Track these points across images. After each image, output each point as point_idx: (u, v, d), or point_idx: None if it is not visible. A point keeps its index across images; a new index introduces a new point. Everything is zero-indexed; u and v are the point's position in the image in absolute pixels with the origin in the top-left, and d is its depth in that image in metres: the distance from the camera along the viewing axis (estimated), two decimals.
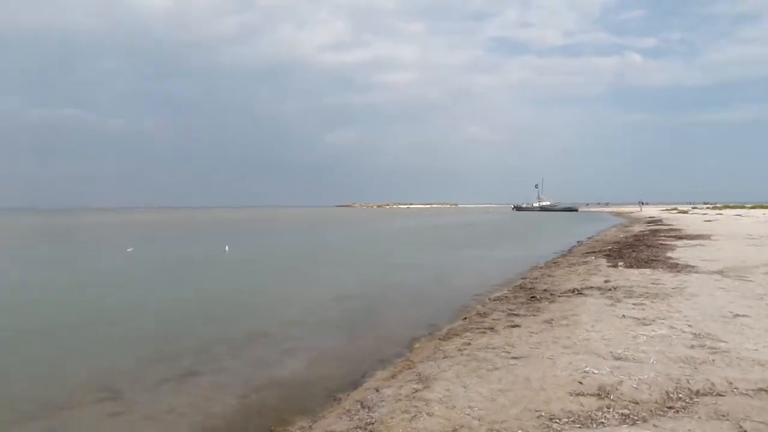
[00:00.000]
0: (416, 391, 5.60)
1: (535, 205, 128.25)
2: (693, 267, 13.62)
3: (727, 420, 4.37)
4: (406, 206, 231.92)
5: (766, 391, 4.94)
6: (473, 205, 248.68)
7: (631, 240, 24.79)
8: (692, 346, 6.48)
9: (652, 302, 9.26)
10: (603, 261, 16.32)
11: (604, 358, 6.15)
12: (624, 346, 6.57)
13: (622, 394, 5.05)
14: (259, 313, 11.28)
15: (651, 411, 4.64)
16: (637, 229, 35.20)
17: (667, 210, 77.76)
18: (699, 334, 7.00)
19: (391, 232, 47.33)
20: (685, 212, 63.85)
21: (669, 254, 17.03)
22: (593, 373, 5.66)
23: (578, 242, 27.63)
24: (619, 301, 9.58)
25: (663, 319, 7.99)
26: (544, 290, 11.68)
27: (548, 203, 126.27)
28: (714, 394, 4.96)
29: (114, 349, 8.42)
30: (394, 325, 9.84)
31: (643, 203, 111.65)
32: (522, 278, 14.69)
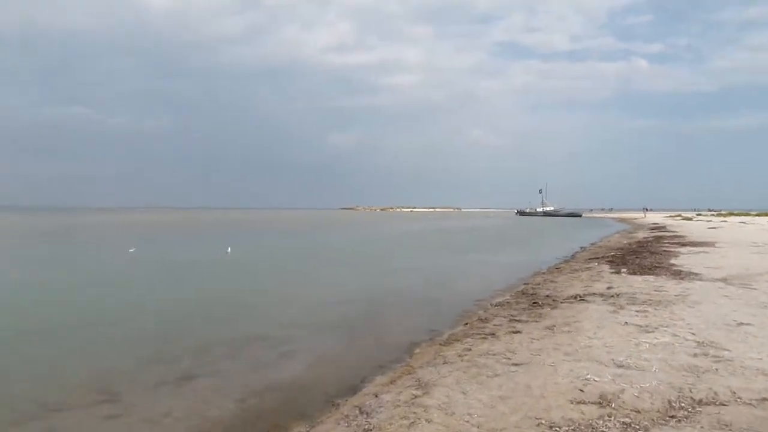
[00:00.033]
0: (415, 397, 5.55)
1: (539, 210, 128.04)
2: (697, 274, 13.53)
3: (730, 430, 4.31)
4: (409, 210, 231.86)
5: None
6: (477, 210, 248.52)
7: (634, 246, 24.69)
8: (695, 355, 6.41)
9: (655, 309, 9.19)
10: (606, 267, 16.24)
11: (605, 366, 6.09)
12: (626, 354, 6.51)
13: (623, 402, 4.99)
14: (260, 315, 11.26)
15: (653, 420, 4.58)
16: (640, 235, 35.07)
17: (671, 217, 77.49)
18: (702, 343, 6.93)
19: (393, 235, 47.29)
20: (690, 219, 63.59)
21: (672, 261, 16.94)
22: (594, 380, 5.60)
23: (581, 248, 27.53)
24: (621, 308, 9.51)
25: (666, 326, 7.92)
26: (547, 296, 11.60)
27: (552, 208, 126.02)
28: (717, 403, 4.90)
29: (113, 350, 8.40)
30: (394, 330, 9.79)
31: (647, 209, 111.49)
32: (524, 284, 14.63)
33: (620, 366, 6.05)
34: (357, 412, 5.40)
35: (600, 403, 5.00)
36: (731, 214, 78.72)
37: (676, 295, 10.50)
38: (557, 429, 4.48)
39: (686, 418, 4.60)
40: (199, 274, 18.55)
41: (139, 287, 15.20)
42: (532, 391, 5.44)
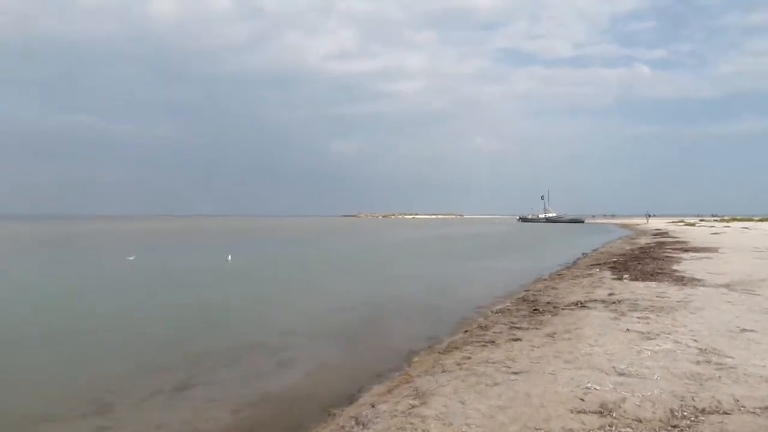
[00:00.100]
0: (413, 407, 5.45)
1: (541, 216, 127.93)
2: (699, 280, 13.41)
3: None
4: (411, 216, 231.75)
5: None
6: (479, 216, 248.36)
7: (636, 252, 24.55)
8: (698, 362, 6.30)
9: (657, 316, 9.07)
10: (608, 273, 16.12)
11: (606, 374, 5.99)
12: (627, 362, 6.40)
13: (624, 411, 4.88)
14: (258, 323, 11.16)
15: (655, 430, 4.48)
16: (643, 241, 34.92)
17: (674, 222, 77.26)
18: (705, 350, 6.82)
19: (395, 242, 47.19)
20: (692, 225, 63.38)
21: (675, 267, 16.81)
22: (595, 389, 5.50)
23: (583, 254, 27.39)
24: (623, 314, 9.40)
25: (668, 333, 7.81)
26: (548, 303, 11.50)
27: (554, 215, 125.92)
28: (720, 412, 4.79)
29: (108, 359, 8.31)
30: (393, 338, 9.69)
31: (649, 215, 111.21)
32: (525, 290, 14.51)
33: (621, 374, 5.95)
34: (353, 422, 5.30)
35: (601, 412, 4.89)
36: (734, 219, 78.48)
37: (678, 302, 10.39)
38: None
39: (689, 427, 4.49)
40: (198, 281, 18.47)
41: (136, 295, 15.12)
42: (532, 400, 5.34)
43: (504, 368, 6.53)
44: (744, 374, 5.80)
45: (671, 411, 4.85)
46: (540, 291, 13.79)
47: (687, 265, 17.21)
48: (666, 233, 43.84)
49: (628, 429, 4.50)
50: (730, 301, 10.32)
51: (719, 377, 5.73)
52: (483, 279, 18.94)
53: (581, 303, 10.87)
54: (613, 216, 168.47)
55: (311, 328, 10.72)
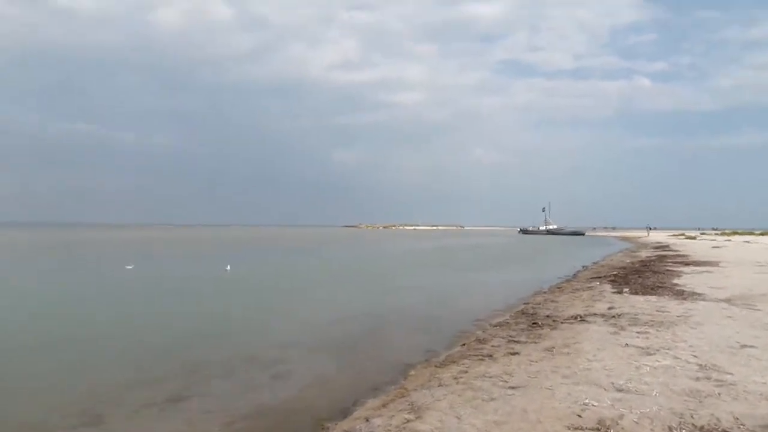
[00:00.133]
0: (407, 421, 5.37)
1: (542, 228, 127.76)
2: (699, 294, 13.33)
3: None
4: (412, 227, 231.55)
5: None
6: (479, 227, 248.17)
7: (637, 265, 24.46)
8: (697, 378, 6.22)
9: (657, 331, 8.99)
10: (608, 287, 16.03)
11: (605, 390, 5.91)
12: (626, 377, 6.32)
13: (622, 428, 4.81)
14: (254, 334, 11.07)
15: None
16: (643, 254, 34.83)
17: (674, 236, 77.12)
18: (705, 366, 6.74)
19: (395, 253, 47.10)
20: (693, 238, 63.26)
21: (675, 281, 16.73)
22: (593, 405, 5.42)
23: (583, 267, 27.31)
24: (623, 329, 9.32)
25: (667, 348, 7.73)
26: (547, 316, 11.41)
27: (555, 227, 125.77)
28: (719, 430, 4.71)
29: (102, 368, 8.22)
30: (390, 350, 9.60)
31: (650, 228, 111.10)
32: (524, 303, 14.42)
33: (620, 390, 5.87)
34: None
35: (598, 429, 4.82)
36: (735, 233, 78.33)
37: (678, 316, 10.30)
38: None
39: None
40: (196, 291, 18.38)
41: (132, 304, 15.04)
42: (529, 415, 5.26)
43: (501, 383, 6.45)
44: (744, 391, 5.72)
45: (669, 428, 4.77)
46: (539, 304, 13.70)
47: (687, 279, 17.13)
48: (667, 246, 43.74)
49: None
50: (730, 316, 10.24)
51: (719, 394, 5.65)
52: (482, 291, 18.85)
53: (581, 317, 10.79)
54: (613, 228, 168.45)
55: (308, 339, 10.64)
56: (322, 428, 5.83)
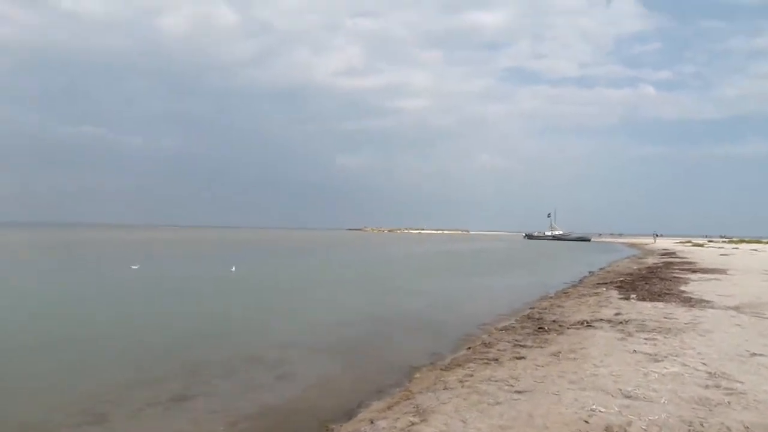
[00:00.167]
0: (412, 424, 5.32)
1: (548, 233, 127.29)
2: (708, 302, 13.20)
3: None
4: (417, 231, 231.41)
5: None
6: (485, 232, 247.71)
7: (644, 272, 24.29)
8: (706, 386, 6.14)
9: (665, 337, 8.90)
10: (614, 293, 15.92)
11: (612, 396, 5.84)
12: (634, 384, 6.25)
13: None
14: (259, 335, 11.05)
15: None
16: (650, 261, 34.61)
17: (681, 243, 76.64)
18: (714, 374, 6.66)
19: (400, 256, 47.01)
20: (701, 245, 62.81)
21: (683, 288, 16.59)
22: (600, 411, 5.35)
23: (590, 272, 27.15)
24: (630, 335, 9.23)
25: (676, 355, 7.64)
26: (553, 321, 11.33)
27: (561, 232, 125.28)
28: None
29: (106, 368, 8.21)
30: (395, 353, 9.55)
31: (657, 235, 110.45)
32: (530, 308, 14.33)
33: (627, 396, 5.80)
34: None
35: None
36: (742, 241, 77.73)
37: (686, 323, 10.20)
38: None
39: None
40: (201, 291, 18.40)
41: (137, 304, 15.06)
42: (534, 420, 5.20)
43: (507, 387, 6.39)
44: (754, 400, 5.63)
45: None
46: (545, 309, 13.62)
47: (695, 286, 16.98)
48: (674, 253, 43.45)
49: None
50: (739, 324, 10.13)
51: (728, 402, 5.57)
52: (488, 295, 18.76)
53: (587, 322, 10.71)
54: (620, 235, 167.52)
55: (312, 340, 10.60)
56: (327, 430, 5.79)
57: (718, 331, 9.41)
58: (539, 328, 10.58)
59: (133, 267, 24.66)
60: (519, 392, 6.14)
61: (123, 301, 15.59)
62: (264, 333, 11.29)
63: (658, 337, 8.97)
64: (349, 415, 6.22)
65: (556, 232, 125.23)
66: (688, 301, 13.30)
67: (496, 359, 8.04)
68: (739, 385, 6.18)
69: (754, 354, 7.68)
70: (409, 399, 6.37)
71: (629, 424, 4.99)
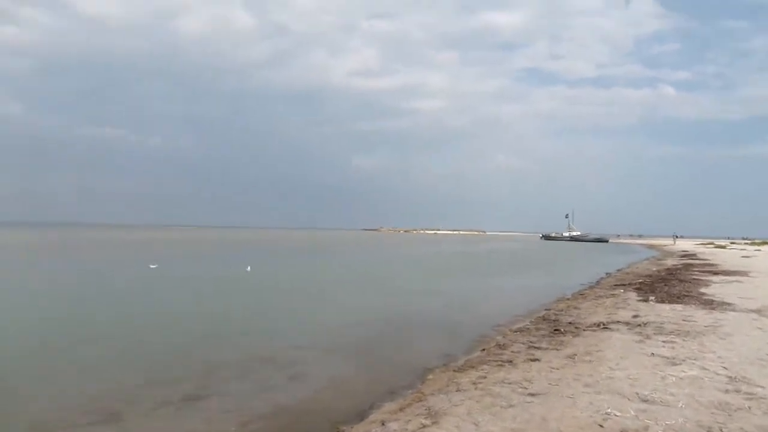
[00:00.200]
0: (424, 426, 5.28)
1: (565, 234, 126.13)
2: (729, 304, 12.93)
3: None
4: (433, 232, 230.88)
5: None
6: (501, 233, 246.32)
7: (663, 273, 23.92)
8: (726, 391, 6.00)
9: (683, 340, 8.73)
10: (632, 294, 15.69)
11: (628, 400, 5.73)
12: (651, 387, 6.13)
13: None
14: (273, 335, 11.07)
15: None
16: (669, 262, 34.09)
17: (702, 244, 75.31)
18: (734, 378, 6.50)
19: (416, 257, 46.91)
20: (723, 247, 61.69)
21: (703, 290, 16.29)
22: (616, 415, 5.25)
23: (607, 274, 26.82)
24: (648, 337, 9.07)
25: (694, 359, 7.49)
26: (569, 323, 11.19)
27: (578, 233, 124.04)
28: None
29: (121, 366, 8.29)
30: (408, 354, 9.50)
31: (677, 236, 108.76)
32: (546, 309, 14.18)
33: (644, 400, 5.68)
34: None
35: None
36: (765, 243, 76.19)
37: (706, 326, 10.00)
38: None
39: None
40: (216, 291, 18.54)
41: (155, 303, 15.22)
42: (548, 424, 5.12)
43: (521, 389, 6.31)
44: None
45: None
46: (561, 310, 13.46)
47: (716, 289, 16.66)
48: (694, 255, 42.74)
49: None
50: (761, 328, 9.90)
51: (749, 407, 5.43)
52: (503, 296, 18.62)
53: (603, 324, 10.55)
54: (639, 236, 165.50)
55: (325, 340, 10.60)
56: (338, 431, 5.77)
57: (738, 334, 9.20)
58: (555, 329, 10.45)
59: (152, 266, 24.95)
60: (533, 395, 6.06)
61: (141, 301, 15.74)
62: (278, 333, 11.32)
63: (677, 339, 8.81)
64: (361, 416, 6.20)
65: (574, 233, 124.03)
66: (709, 304, 13.05)
67: (510, 361, 7.96)
68: (759, 389, 6.02)
69: None
70: (421, 401, 6.32)
71: (645, 428, 4.89)
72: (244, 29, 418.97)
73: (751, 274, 22.45)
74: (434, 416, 5.54)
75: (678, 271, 24.93)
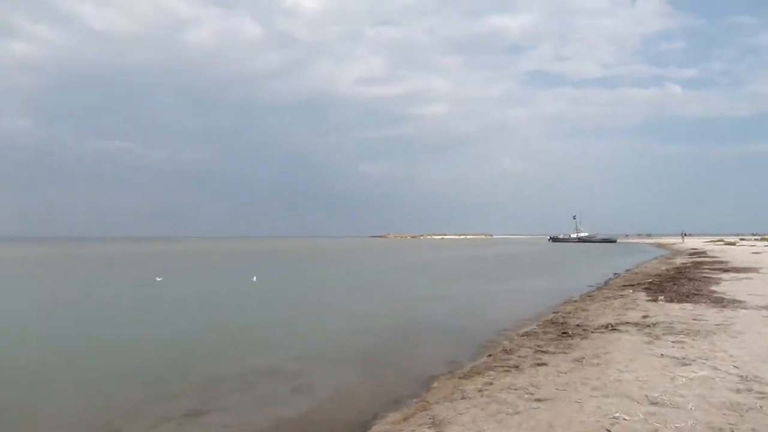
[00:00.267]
0: None
1: (573, 236, 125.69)
2: (740, 302, 12.74)
3: None
4: (440, 237, 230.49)
5: None
6: (508, 236, 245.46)
7: (672, 272, 23.67)
8: (738, 390, 5.86)
9: (693, 340, 8.58)
10: (641, 295, 15.50)
11: (637, 403, 5.60)
12: (660, 389, 6.00)
13: None
14: (276, 346, 10.96)
15: None
16: (679, 261, 33.77)
17: (712, 242, 74.69)
18: (745, 377, 6.35)
19: (422, 263, 46.72)
20: (732, 244, 61.13)
21: (713, 288, 16.08)
22: (624, 419, 5.13)
23: (615, 274, 26.58)
24: (657, 338, 8.92)
25: (705, 359, 7.34)
26: (577, 325, 11.04)
27: (586, 234, 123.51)
28: None
29: (122, 381, 8.20)
30: (413, 362, 9.37)
31: (685, 234, 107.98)
32: (554, 312, 14.03)
33: (653, 403, 5.55)
34: None
35: None
36: None
37: (716, 325, 9.83)
38: None
39: None
40: (222, 302, 18.47)
41: (158, 316, 15.17)
42: (554, 430, 5.01)
43: (527, 395, 6.19)
44: None
45: None
46: (569, 313, 13.30)
47: (726, 286, 16.45)
48: (703, 253, 42.35)
49: None
50: None
51: (761, 407, 5.29)
52: (510, 300, 18.46)
53: (612, 326, 10.40)
54: (648, 235, 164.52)
55: (330, 350, 10.49)
56: None
57: (750, 333, 9.04)
58: (563, 332, 10.31)
59: (158, 279, 24.94)
60: (539, 400, 5.94)
61: (145, 314, 15.69)
62: (283, 344, 11.21)
63: (687, 339, 8.65)
64: (364, 427, 6.09)
65: (582, 234, 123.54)
66: (719, 302, 12.86)
67: (517, 366, 7.83)
68: None
69: None
70: (425, 410, 6.21)
71: None
72: (251, 40, 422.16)
73: (761, 271, 22.18)
74: (438, 425, 5.44)
75: (687, 270, 24.66)
